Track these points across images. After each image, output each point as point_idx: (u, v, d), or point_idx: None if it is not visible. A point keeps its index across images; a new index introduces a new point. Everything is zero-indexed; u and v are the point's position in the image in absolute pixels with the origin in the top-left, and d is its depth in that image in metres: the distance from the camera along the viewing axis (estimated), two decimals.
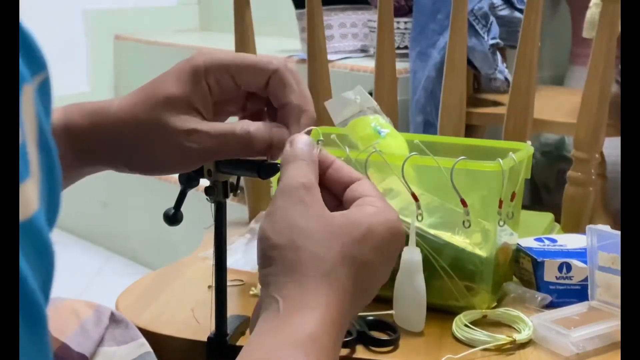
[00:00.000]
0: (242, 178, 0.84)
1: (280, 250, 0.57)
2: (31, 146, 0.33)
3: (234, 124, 0.67)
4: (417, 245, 0.96)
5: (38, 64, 0.35)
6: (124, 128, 0.67)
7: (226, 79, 0.67)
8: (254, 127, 0.66)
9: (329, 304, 0.56)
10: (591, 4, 1.75)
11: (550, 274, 1.05)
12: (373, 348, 0.93)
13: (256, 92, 0.69)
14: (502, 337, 0.94)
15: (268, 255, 0.57)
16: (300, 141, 0.63)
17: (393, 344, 0.94)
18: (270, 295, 0.56)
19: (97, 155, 0.70)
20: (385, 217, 0.60)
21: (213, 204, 0.84)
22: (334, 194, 0.63)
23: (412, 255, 0.95)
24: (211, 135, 0.66)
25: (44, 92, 0.35)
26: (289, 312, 0.55)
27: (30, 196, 0.32)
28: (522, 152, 1.04)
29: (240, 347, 0.57)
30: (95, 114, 0.68)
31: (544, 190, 2.52)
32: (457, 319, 0.97)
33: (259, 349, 0.54)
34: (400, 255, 0.64)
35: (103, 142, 0.68)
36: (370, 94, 1.15)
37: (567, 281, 1.05)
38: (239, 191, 0.84)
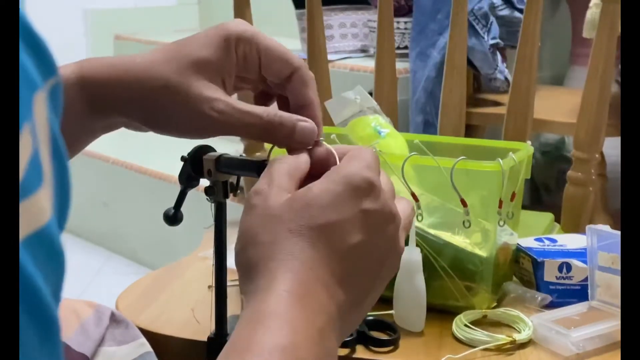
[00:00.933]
0: (242, 178, 0.84)
1: (237, 257, 0.58)
2: (44, 153, 0.33)
3: (259, 106, 0.66)
4: (417, 245, 0.96)
5: (49, 69, 0.34)
6: (145, 83, 0.65)
7: (253, 56, 0.66)
8: (283, 113, 0.66)
9: (285, 279, 0.54)
10: (591, 4, 1.75)
11: (550, 274, 1.05)
12: (373, 348, 0.93)
13: (272, 84, 0.68)
14: (502, 337, 0.94)
15: (235, 264, 0.59)
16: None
17: (393, 344, 0.94)
18: (241, 299, 0.57)
19: (112, 107, 0.67)
20: (338, 172, 0.58)
21: (213, 204, 0.84)
22: None
23: (412, 255, 0.95)
24: (235, 108, 0.65)
25: (55, 97, 0.35)
26: (248, 301, 0.55)
27: (43, 205, 0.32)
28: (522, 152, 1.04)
29: None
30: (115, 67, 0.66)
31: (544, 190, 2.52)
32: (457, 319, 0.97)
33: (230, 340, 0.54)
34: (390, 214, 0.59)
35: (119, 95, 0.66)
36: (370, 94, 1.15)
37: (567, 281, 1.05)
38: (239, 191, 0.84)
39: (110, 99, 0.66)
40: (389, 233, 0.59)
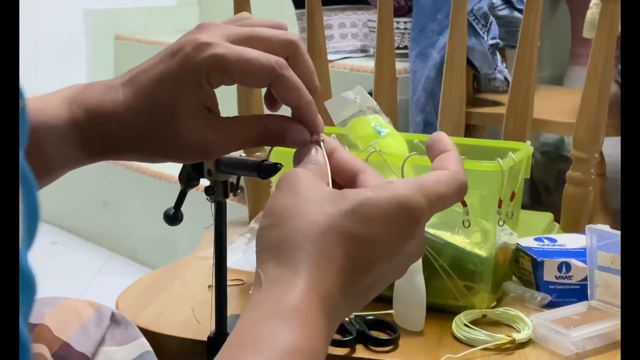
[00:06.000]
0: (242, 178, 0.85)
1: (265, 229, 0.56)
2: None
3: (249, 126, 0.66)
4: None
5: None
6: (136, 133, 0.66)
7: (227, 81, 0.64)
8: (274, 127, 0.65)
9: (311, 276, 0.53)
10: (591, 4, 1.75)
11: (549, 273, 1.05)
12: (373, 347, 0.93)
13: None
14: (501, 337, 0.94)
15: (257, 236, 0.57)
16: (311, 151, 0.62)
17: (393, 343, 0.94)
18: (256, 272, 0.55)
19: (109, 152, 0.68)
20: (393, 190, 0.56)
21: (213, 204, 0.84)
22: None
23: None
24: (231, 142, 0.65)
25: (21, 120, 0.34)
26: (269, 285, 0.53)
27: None
28: (521, 152, 1.04)
29: None
30: (101, 114, 0.66)
31: (543, 190, 2.52)
32: (456, 318, 0.97)
33: (245, 324, 0.52)
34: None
35: (115, 142, 0.67)
36: (370, 94, 1.15)
37: (566, 281, 1.05)
38: (239, 191, 0.84)
39: (107, 149, 0.68)
40: (410, 262, 0.59)
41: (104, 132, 0.66)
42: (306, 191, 0.56)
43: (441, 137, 0.63)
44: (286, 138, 0.64)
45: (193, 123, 0.64)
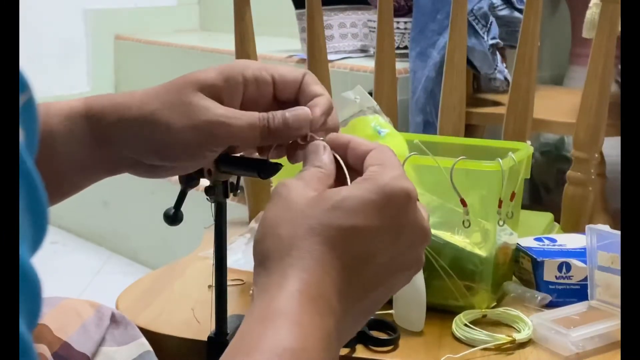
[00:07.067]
0: (242, 178, 0.85)
1: (256, 243, 0.57)
2: None
3: (253, 114, 0.68)
4: None
5: (20, 84, 0.33)
6: (146, 111, 0.68)
7: (267, 90, 0.68)
8: (273, 112, 0.67)
9: (298, 278, 0.53)
10: (591, 4, 1.75)
11: (549, 273, 1.05)
12: (373, 347, 0.93)
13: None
14: (501, 337, 0.94)
15: (252, 251, 0.58)
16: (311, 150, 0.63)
17: (393, 343, 0.94)
18: (252, 287, 0.56)
19: (118, 144, 0.71)
20: (375, 181, 0.56)
21: (213, 204, 0.84)
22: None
23: None
24: (235, 111, 0.67)
25: (28, 113, 0.34)
26: (260, 295, 0.54)
27: None
28: (521, 152, 1.04)
29: None
30: (118, 101, 0.70)
31: (543, 190, 2.52)
32: (456, 318, 0.97)
33: (237, 335, 0.53)
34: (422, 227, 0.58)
35: (124, 127, 0.69)
36: (370, 94, 1.15)
37: (566, 281, 1.05)
38: (239, 191, 0.84)
39: (116, 137, 0.70)
40: (416, 250, 0.58)
41: (116, 115, 0.69)
42: (293, 200, 0.57)
43: (334, 135, 0.65)
44: (288, 118, 0.66)
45: (205, 99, 0.67)
